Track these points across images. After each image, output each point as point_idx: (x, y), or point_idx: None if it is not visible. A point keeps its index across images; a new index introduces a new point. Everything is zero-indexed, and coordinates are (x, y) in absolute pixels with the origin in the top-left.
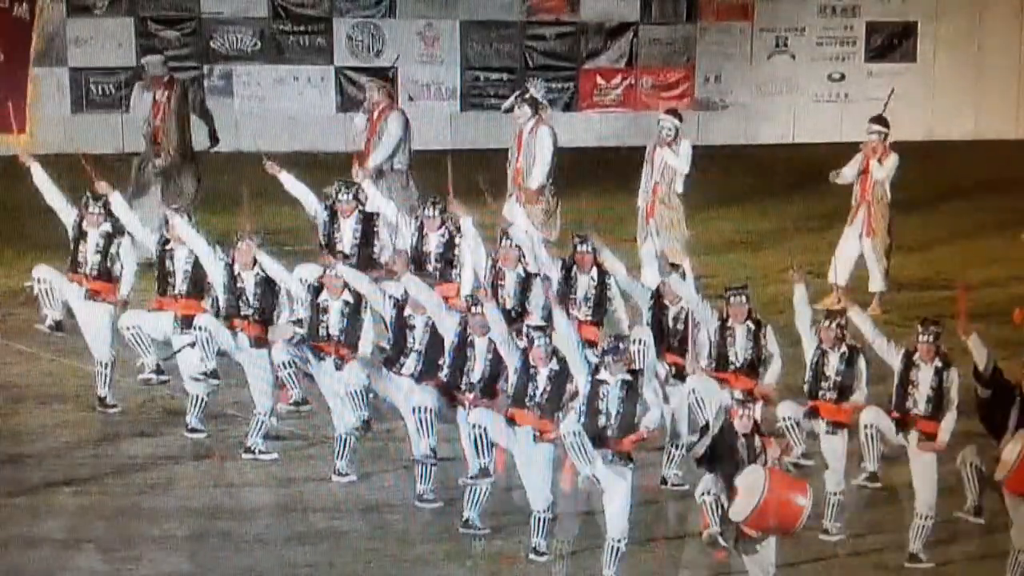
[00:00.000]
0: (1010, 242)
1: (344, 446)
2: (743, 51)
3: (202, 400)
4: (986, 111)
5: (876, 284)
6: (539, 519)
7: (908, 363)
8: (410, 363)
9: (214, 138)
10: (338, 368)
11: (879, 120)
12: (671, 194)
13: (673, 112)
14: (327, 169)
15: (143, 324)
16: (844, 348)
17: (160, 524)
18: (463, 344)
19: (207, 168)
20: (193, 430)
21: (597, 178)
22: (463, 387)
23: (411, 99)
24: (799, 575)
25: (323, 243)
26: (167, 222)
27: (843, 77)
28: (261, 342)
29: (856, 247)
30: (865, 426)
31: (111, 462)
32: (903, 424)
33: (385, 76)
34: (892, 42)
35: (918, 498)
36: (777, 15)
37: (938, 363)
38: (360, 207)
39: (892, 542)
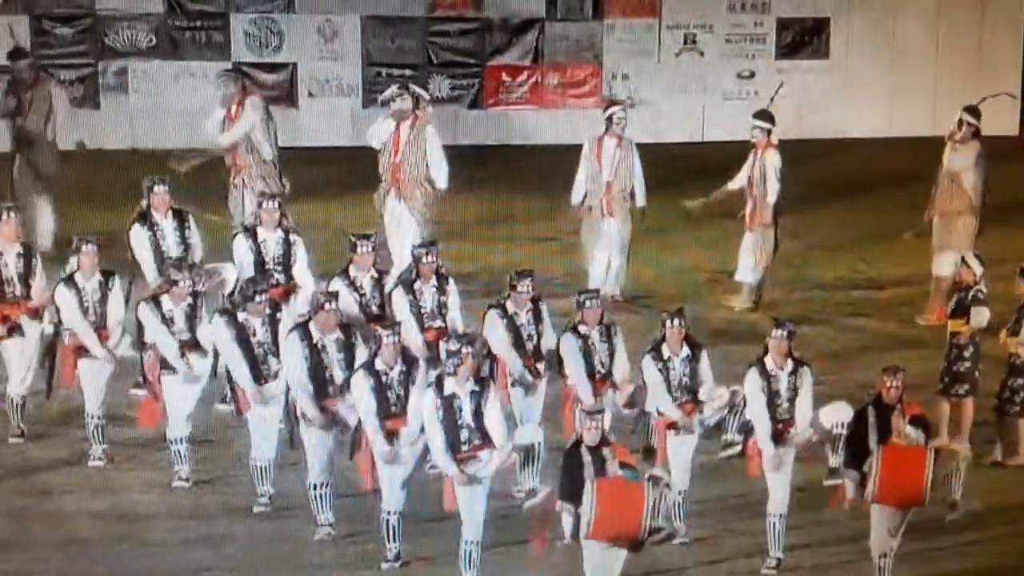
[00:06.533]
0: (919, 241)
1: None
2: (651, 48)
3: (20, 401)
4: (901, 107)
5: (744, 275)
6: (387, 521)
7: (767, 378)
8: None
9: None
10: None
11: (762, 116)
12: (627, 196)
13: (618, 102)
14: (221, 165)
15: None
16: (687, 349)
17: (60, 527)
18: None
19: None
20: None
21: (502, 176)
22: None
23: (311, 95)
24: None
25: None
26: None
27: (752, 75)
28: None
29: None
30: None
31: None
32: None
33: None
34: (803, 39)
35: (773, 497)
36: (685, 12)
37: (791, 364)
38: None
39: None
